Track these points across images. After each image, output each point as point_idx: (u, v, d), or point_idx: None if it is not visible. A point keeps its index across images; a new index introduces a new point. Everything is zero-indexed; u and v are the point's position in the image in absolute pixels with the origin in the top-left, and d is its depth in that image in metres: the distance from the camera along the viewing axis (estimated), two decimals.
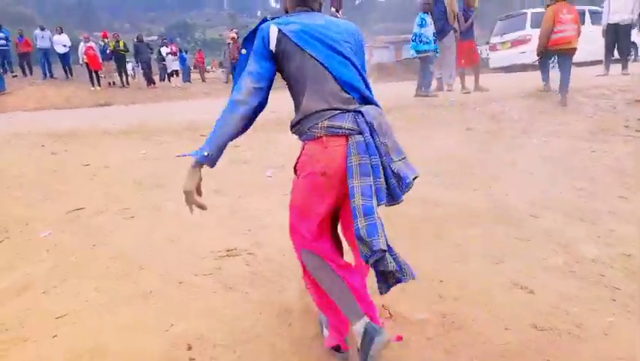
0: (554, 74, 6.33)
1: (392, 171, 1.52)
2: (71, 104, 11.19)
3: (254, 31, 1.68)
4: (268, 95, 1.65)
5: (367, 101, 1.61)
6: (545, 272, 2.33)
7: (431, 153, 4.30)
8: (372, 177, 1.47)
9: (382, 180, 1.49)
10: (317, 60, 1.57)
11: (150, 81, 14.27)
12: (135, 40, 14.66)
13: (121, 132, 5.25)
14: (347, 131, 1.49)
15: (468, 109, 5.74)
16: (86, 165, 4.22)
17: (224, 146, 1.58)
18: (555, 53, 6.26)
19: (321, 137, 1.51)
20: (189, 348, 1.86)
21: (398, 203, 1.55)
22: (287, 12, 1.77)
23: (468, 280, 2.29)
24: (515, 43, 12.60)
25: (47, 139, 5.12)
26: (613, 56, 7.96)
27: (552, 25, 6.12)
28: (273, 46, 1.60)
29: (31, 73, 14.74)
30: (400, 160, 1.56)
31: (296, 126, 1.61)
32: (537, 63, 6.84)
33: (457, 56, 7.20)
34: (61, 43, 14.14)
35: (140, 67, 15.16)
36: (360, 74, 1.63)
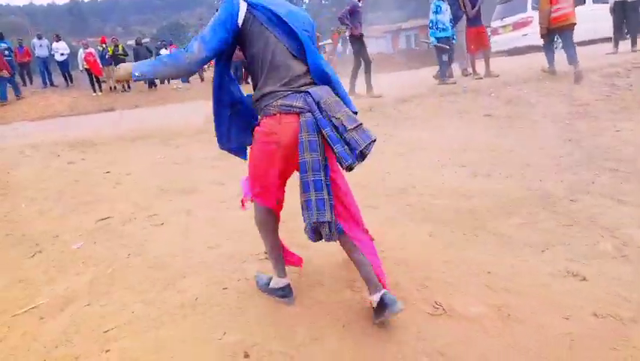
0: (559, 55, 6.31)
1: (344, 139, 1.65)
2: (75, 111, 11.12)
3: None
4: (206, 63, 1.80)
5: (323, 82, 1.78)
6: (596, 258, 2.28)
7: (453, 142, 4.25)
8: (319, 152, 1.66)
9: (340, 145, 1.64)
10: (281, 43, 1.71)
11: (151, 84, 14.17)
12: (134, 43, 14.56)
13: (137, 137, 5.20)
14: (298, 110, 1.67)
15: (483, 95, 5.67)
16: (106, 173, 4.18)
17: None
18: (556, 31, 6.27)
19: (275, 114, 1.70)
20: (246, 356, 1.82)
21: (350, 165, 1.65)
22: None
23: (517, 271, 2.24)
24: (517, 25, 12.47)
25: (62, 148, 5.08)
26: (622, 34, 7.87)
27: (550, 5, 6.12)
28: (240, 21, 1.71)
29: (31, 82, 14.68)
30: (353, 128, 1.66)
31: (255, 103, 1.81)
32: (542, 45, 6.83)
33: (466, 43, 7.16)
34: (59, 50, 14.05)
35: None
36: (316, 58, 1.75)
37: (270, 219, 2.01)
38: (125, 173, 4.16)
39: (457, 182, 3.35)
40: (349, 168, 1.66)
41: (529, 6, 12.19)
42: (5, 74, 11.48)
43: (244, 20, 1.71)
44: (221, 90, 1.93)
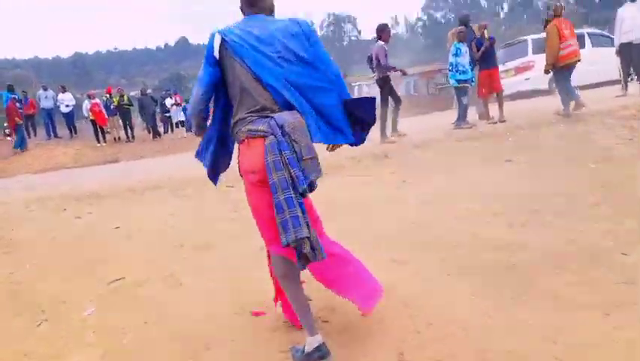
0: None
1: (299, 166, 1.71)
2: (79, 162, 11.05)
3: None
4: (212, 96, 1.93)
5: (290, 106, 1.80)
6: None
7: (479, 189, 4.08)
8: (285, 170, 1.67)
9: (298, 169, 1.68)
10: (248, 72, 1.79)
11: (156, 134, 14.23)
12: (139, 93, 14.74)
13: (145, 189, 5.03)
14: (262, 133, 1.73)
15: (500, 139, 5.58)
16: (116, 228, 3.98)
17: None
18: (565, 69, 6.32)
19: (244, 139, 1.78)
20: None
21: (303, 190, 1.69)
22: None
23: (586, 339, 2.00)
24: (519, 70, 12.70)
25: (68, 202, 4.91)
26: (630, 76, 7.94)
27: (559, 41, 6.19)
28: (216, 52, 1.83)
29: (35, 134, 14.72)
30: (309, 158, 1.74)
31: (231, 132, 1.90)
32: (547, 87, 6.93)
33: (477, 86, 7.19)
34: (65, 102, 14.20)
35: (143, 120, 15.17)
36: (278, 86, 1.78)
37: (287, 267, 1.91)
38: (136, 228, 3.96)
39: (492, 233, 3.14)
40: (302, 194, 1.71)
41: (530, 50, 12.47)
42: (19, 121, 11.92)
43: (219, 52, 1.82)
44: (220, 122, 2.00)
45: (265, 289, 2.60)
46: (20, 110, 12.50)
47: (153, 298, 2.74)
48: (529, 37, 13.11)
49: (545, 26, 6.52)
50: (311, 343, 1.89)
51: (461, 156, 5.20)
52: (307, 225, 1.70)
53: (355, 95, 20.64)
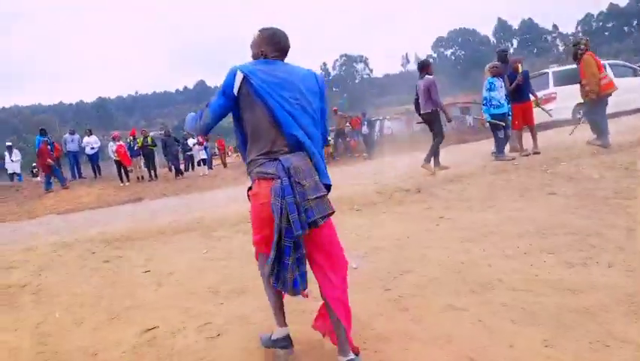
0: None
1: (303, 207, 1.84)
2: (103, 202, 11.08)
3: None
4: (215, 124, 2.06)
5: (299, 148, 1.95)
6: None
7: (525, 225, 3.85)
8: (281, 216, 1.82)
9: (296, 214, 1.82)
10: (265, 115, 1.90)
11: (178, 172, 14.34)
12: (162, 134, 14.99)
13: (175, 231, 4.90)
14: (270, 176, 1.87)
15: (537, 172, 5.36)
16: (146, 272, 3.83)
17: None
18: (604, 98, 6.26)
19: (255, 179, 1.94)
20: None
21: (297, 235, 1.84)
22: (257, 57, 2.07)
23: None
24: (542, 102, 12.54)
25: (96, 245, 4.80)
26: None
27: (598, 71, 6.17)
28: (236, 90, 1.92)
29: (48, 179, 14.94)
30: (315, 198, 1.87)
31: (246, 167, 2.05)
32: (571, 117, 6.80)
33: (512, 119, 7.08)
34: (90, 144, 14.50)
35: (166, 159, 15.36)
36: (292, 129, 1.91)
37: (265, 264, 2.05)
38: (167, 272, 3.80)
39: (552, 273, 2.90)
40: (297, 236, 1.85)
41: (551, 82, 12.37)
42: (50, 162, 12.52)
43: (239, 90, 1.92)
44: (241, 142, 2.12)
45: (305, 337, 2.39)
46: (51, 153, 12.88)
47: (191, 350, 2.54)
48: (550, 70, 13.06)
49: (576, 58, 6.50)
50: (280, 332, 2.17)
51: (498, 189, 4.98)
52: (281, 265, 1.91)
53: (377, 129, 20.81)
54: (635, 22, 77.13)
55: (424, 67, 6.94)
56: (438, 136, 6.80)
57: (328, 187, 2.04)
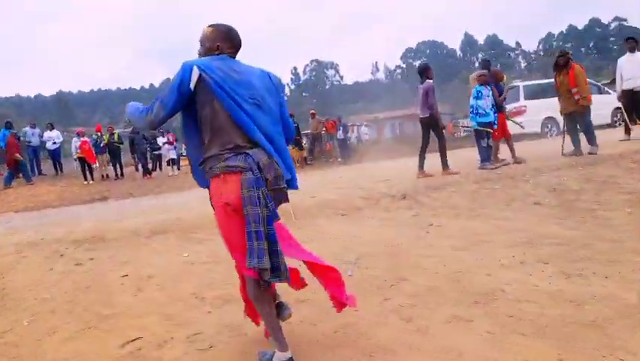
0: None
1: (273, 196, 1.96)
2: (66, 200, 10.49)
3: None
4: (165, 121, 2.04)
5: (259, 143, 1.98)
6: None
7: (515, 234, 3.85)
8: (259, 206, 1.85)
9: (272, 203, 1.92)
10: (226, 110, 1.90)
11: (146, 172, 13.81)
12: (130, 132, 14.42)
13: (152, 232, 4.63)
14: (239, 169, 1.87)
15: (520, 181, 5.42)
16: (124, 276, 3.56)
17: None
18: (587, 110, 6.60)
19: (220, 174, 1.89)
20: None
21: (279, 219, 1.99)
22: (211, 52, 2.07)
23: None
24: (512, 114, 12.92)
25: (65, 246, 4.47)
26: (634, 121, 8.06)
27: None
28: (192, 86, 1.90)
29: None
30: (279, 188, 2.03)
31: (202, 165, 2.01)
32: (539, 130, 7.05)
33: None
34: (52, 139, 13.77)
35: (133, 157, 14.78)
36: (251, 130, 1.95)
37: (260, 290, 2.03)
38: (147, 275, 3.55)
39: (552, 284, 2.87)
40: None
41: (521, 95, 12.76)
42: (18, 157, 12.03)
43: (195, 85, 1.91)
44: (188, 137, 2.11)
45: (311, 350, 2.25)
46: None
47: None
48: (521, 84, 13.50)
49: (564, 67, 6.72)
50: (280, 357, 2.05)
51: (484, 198, 4.99)
52: (272, 254, 1.90)
53: (355, 134, 20.88)
54: (592, 44, 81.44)
55: (424, 70, 6.98)
56: (441, 139, 6.92)
57: (288, 183, 2.15)
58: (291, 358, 2.06)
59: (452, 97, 42.96)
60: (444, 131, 7.24)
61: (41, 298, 3.27)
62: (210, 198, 2.00)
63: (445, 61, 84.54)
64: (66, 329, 2.81)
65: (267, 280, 1.95)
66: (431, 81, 6.87)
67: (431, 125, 6.92)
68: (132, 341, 2.62)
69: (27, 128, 13.99)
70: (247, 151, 1.91)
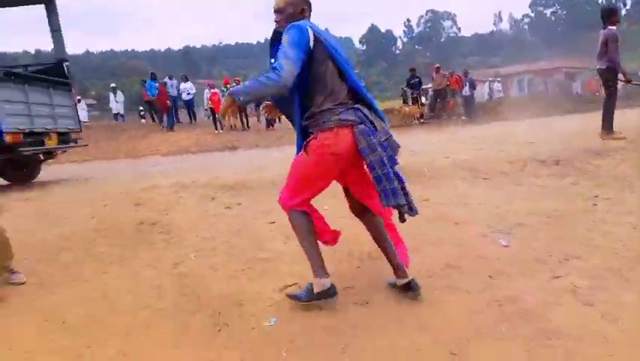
0: None
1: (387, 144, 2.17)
2: (202, 146, 11.47)
3: (277, 32, 2.22)
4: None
5: (361, 99, 2.20)
6: None
7: None
8: (380, 150, 2.08)
9: (389, 149, 2.15)
10: (338, 67, 2.12)
11: (269, 124, 14.45)
12: None
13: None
14: (351, 122, 2.08)
15: None
16: (271, 223, 3.72)
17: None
18: None
19: (333, 127, 2.07)
20: None
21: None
22: (294, 17, 2.18)
23: None
24: None
25: (214, 190, 4.81)
26: None
27: None
28: (311, 45, 2.03)
29: (160, 120, 15.71)
30: (385, 139, 2.17)
31: (311, 119, 2.15)
32: None
33: None
34: (187, 90, 14.95)
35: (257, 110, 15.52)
36: (355, 82, 2.19)
37: (306, 220, 2.29)
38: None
39: None
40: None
41: None
42: (169, 103, 13.80)
43: (313, 46, 2.05)
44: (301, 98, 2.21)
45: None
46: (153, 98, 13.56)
47: (348, 310, 2.36)
48: None
49: None
50: (321, 285, 2.29)
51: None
52: (402, 192, 2.14)
53: (486, 90, 19.47)
54: None
55: (608, 14, 6.02)
56: (611, 96, 6.05)
57: None
58: (332, 284, 2.33)
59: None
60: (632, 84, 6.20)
61: (202, 236, 3.54)
62: (309, 145, 2.11)
63: (583, 8, 72.54)
64: (227, 269, 3.01)
65: (403, 217, 2.24)
66: (614, 28, 5.90)
67: (605, 79, 6.03)
68: (289, 286, 2.71)
69: (166, 79, 15.36)
70: (355, 105, 2.13)
